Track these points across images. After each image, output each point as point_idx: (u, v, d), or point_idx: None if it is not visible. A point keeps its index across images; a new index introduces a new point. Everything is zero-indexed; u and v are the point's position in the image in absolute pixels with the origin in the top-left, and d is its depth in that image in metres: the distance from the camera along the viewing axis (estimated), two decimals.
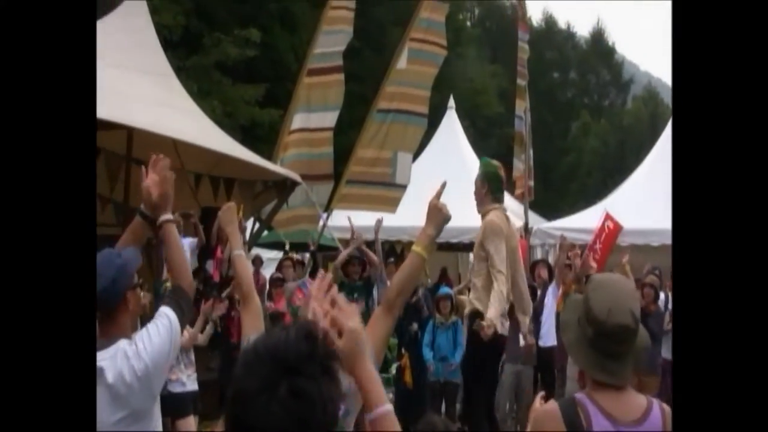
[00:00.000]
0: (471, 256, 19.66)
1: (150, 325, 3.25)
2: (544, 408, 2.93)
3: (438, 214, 3.27)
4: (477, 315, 6.77)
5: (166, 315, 3.29)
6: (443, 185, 3.49)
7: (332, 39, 12.67)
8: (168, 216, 3.51)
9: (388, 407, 2.16)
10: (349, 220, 10.73)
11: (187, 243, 10.07)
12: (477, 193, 7.09)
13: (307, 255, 12.17)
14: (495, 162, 7.35)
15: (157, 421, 3.32)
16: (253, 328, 3.24)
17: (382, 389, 2.21)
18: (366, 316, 9.01)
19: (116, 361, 3.10)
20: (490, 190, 6.97)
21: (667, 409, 2.88)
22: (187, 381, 7.61)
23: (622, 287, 2.95)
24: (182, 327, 3.35)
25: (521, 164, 15.56)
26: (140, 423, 3.17)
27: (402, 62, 12.51)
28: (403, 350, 10.80)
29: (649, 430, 2.76)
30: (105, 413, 3.07)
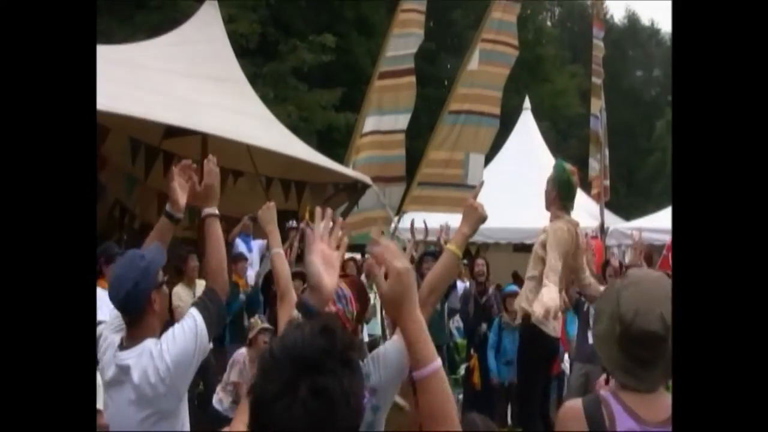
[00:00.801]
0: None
1: (176, 326, 3.28)
2: (567, 405, 2.82)
3: (474, 214, 3.28)
4: (526, 315, 6.71)
5: (192, 317, 3.31)
6: (481, 185, 3.49)
7: (403, 42, 12.73)
8: (212, 210, 3.56)
9: (438, 363, 2.08)
10: (425, 223, 10.77)
11: (257, 245, 10.25)
12: (546, 195, 6.91)
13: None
14: (570, 167, 7.14)
15: (184, 422, 3.35)
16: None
17: (431, 343, 2.10)
18: (440, 319, 9.02)
19: (142, 359, 3.15)
20: (559, 196, 6.75)
21: None
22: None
23: (658, 288, 2.73)
24: (211, 330, 3.33)
25: (597, 164, 15.35)
26: (166, 422, 3.21)
27: (473, 64, 12.50)
28: (472, 351, 10.78)
29: None
30: (131, 411, 3.15)
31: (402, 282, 2.07)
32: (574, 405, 2.75)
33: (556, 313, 6.40)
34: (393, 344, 3.20)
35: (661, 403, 2.66)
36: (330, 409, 1.61)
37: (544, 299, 6.28)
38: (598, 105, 15.49)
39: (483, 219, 3.29)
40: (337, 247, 2.48)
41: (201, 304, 3.39)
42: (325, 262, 2.41)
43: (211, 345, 3.49)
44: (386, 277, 2.11)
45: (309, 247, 2.42)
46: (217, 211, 3.58)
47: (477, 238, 15.73)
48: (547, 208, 6.90)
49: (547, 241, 6.61)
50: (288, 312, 3.33)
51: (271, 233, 3.92)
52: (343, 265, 11.35)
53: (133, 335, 3.27)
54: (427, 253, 10.17)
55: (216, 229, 3.55)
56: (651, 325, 2.62)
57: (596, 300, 3.05)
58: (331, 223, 2.48)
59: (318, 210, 2.51)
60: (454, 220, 12.37)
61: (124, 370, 3.18)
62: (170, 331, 3.27)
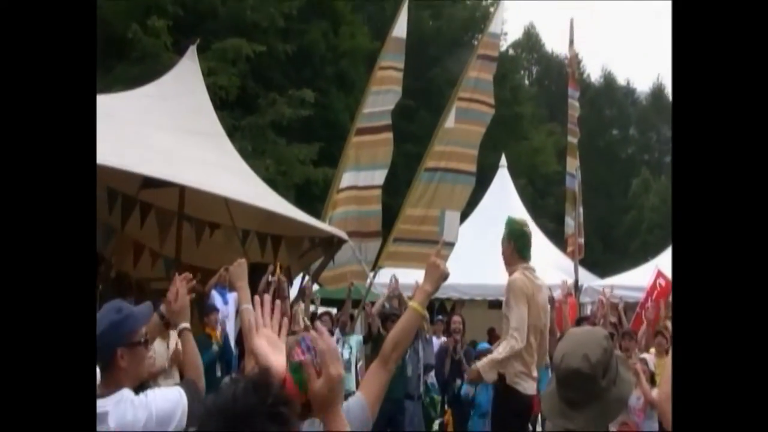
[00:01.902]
0: None
1: (164, 389, 3.36)
2: None
3: (436, 271, 3.34)
4: (500, 373, 6.74)
5: (179, 391, 3.38)
6: (442, 243, 3.56)
7: (381, 99, 12.84)
8: (185, 325, 3.72)
9: None
10: (393, 278, 10.81)
11: (233, 297, 10.22)
12: (504, 254, 6.99)
13: (355, 311, 12.27)
14: (520, 219, 7.29)
15: None
16: None
17: None
18: (400, 372, 9.02)
19: (120, 406, 3.17)
20: (515, 248, 6.85)
21: None
22: None
23: (586, 335, 2.91)
24: (191, 417, 3.33)
25: (573, 221, 15.53)
26: None
27: (450, 122, 12.61)
28: (446, 407, 10.78)
29: None
30: None
31: (334, 388, 2.19)
32: None
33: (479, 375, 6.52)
34: (356, 400, 3.20)
35: None
36: None
37: (492, 353, 6.45)
38: (573, 164, 15.71)
39: (445, 276, 3.35)
40: (279, 330, 2.57)
41: (185, 387, 3.45)
42: (271, 344, 2.53)
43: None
44: (318, 375, 2.22)
45: (252, 332, 2.54)
46: (188, 325, 3.74)
47: (453, 294, 15.80)
48: (507, 266, 6.99)
49: (505, 296, 6.73)
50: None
51: (240, 289, 4.03)
52: (319, 317, 11.38)
53: (106, 384, 3.27)
54: (393, 313, 10.29)
55: (190, 341, 3.71)
56: (574, 363, 2.74)
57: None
58: (270, 308, 2.56)
59: (257, 298, 2.61)
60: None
61: (101, 418, 3.17)
62: (156, 389, 3.35)
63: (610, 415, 2.84)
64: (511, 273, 6.88)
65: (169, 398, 3.31)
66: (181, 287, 3.75)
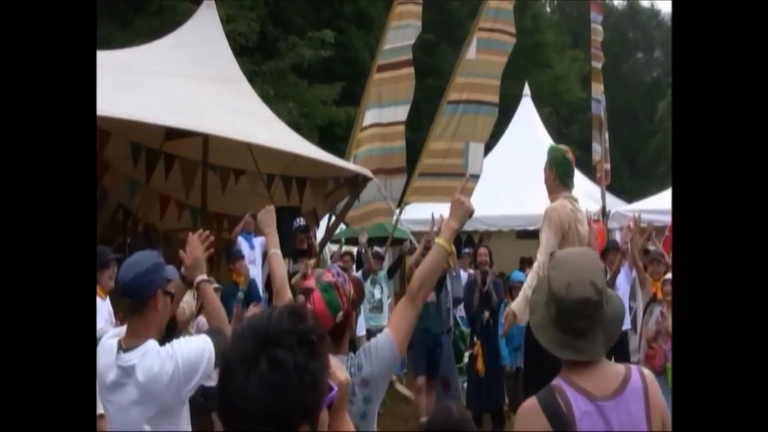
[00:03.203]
0: None
1: (188, 337, 3.43)
2: (523, 405, 2.87)
3: (461, 208, 3.39)
4: None
5: (205, 339, 3.43)
6: (468, 177, 3.61)
7: (401, 34, 12.76)
8: (203, 276, 3.74)
9: None
10: (432, 216, 10.87)
11: (259, 242, 10.35)
12: (546, 180, 6.88)
13: (383, 248, 12.38)
14: (562, 146, 7.18)
15: (186, 424, 3.44)
16: None
17: None
18: (436, 309, 9.21)
19: (146, 358, 3.23)
20: (557, 175, 6.74)
21: (647, 373, 2.84)
22: None
23: (584, 259, 2.87)
24: (217, 362, 3.39)
25: (600, 147, 15.42)
26: (169, 421, 3.28)
27: (471, 53, 12.53)
28: (475, 338, 10.88)
29: (630, 399, 2.71)
30: (134, 412, 3.22)
31: (340, 393, 2.20)
32: (529, 403, 2.81)
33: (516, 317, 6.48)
34: (385, 337, 3.31)
35: (609, 375, 2.76)
36: (284, 380, 1.74)
37: (511, 304, 6.49)
38: (598, 89, 15.53)
39: (470, 212, 3.40)
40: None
41: (212, 335, 3.50)
42: None
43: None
44: None
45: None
46: (206, 277, 3.77)
47: (480, 226, 15.83)
48: (549, 193, 6.89)
49: (542, 224, 6.68)
50: None
51: (269, 235, 4.10)
52: (341, 257, 11.53)
53: (133, 333, 3.34)
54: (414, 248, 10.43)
55: (210, 293, 3.75)
56: (584, 293, 2.71)
57: (531, 295, 3.11)
58: None
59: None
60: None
61: (127, 372, 3.24)
62: (182, 339, 3.39)
63: (613, 337, 2.83)
64: (552, 201, 6.78)
65: (194, 347, 3.36)
66: (194, 241, 3.78)
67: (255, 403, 1.74)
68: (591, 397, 2.71)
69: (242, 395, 1.75)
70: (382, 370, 3.27)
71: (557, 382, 2.78)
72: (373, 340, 3.35)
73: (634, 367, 2.84)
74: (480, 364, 10.46)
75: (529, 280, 6.58)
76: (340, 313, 3.18)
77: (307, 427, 1.81)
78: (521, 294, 6.58)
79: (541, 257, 6.38)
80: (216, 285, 8.39)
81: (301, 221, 10.64)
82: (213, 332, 3.54)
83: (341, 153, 12.68)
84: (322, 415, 1.90)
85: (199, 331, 7.80)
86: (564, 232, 6.52)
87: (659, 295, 8.82)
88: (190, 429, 3.46)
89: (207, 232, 3.92)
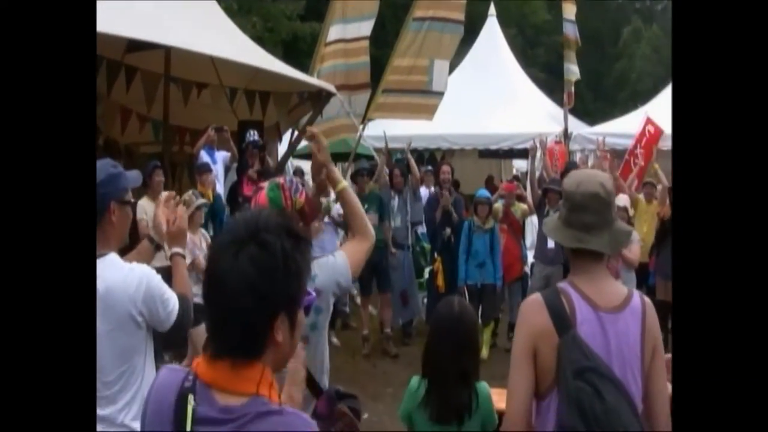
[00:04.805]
0: (513, 162, 19.64)
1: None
2: (529, 298, 3.00)
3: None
4: None
5: (171, 293, 3.36)
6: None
7: None
8: (179, 249, 3.68)
9: None
10: (384, 134, 10.93)
11: (221, 157, 10.33)
12: None
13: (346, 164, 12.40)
14: None
15: (149, 354, 3.36)
16: None
17: None
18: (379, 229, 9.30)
19: (107, 271, 3.14)
20: None
21: (647, 300, 2.97)
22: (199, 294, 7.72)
23: (595, 172, 3.09)
24: (178, 329, 3.38)
25: (576, 68, 15.44)
26: (128, 338, 3.22)
27: None
28: (436, 255, 11.02)
29: (629, 317, 2.85)
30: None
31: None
32: (535, 297, 2.94)
33: None
34: (341, 256, 3.46)
35: (612, 292, 2.90)
36: (271, 261, 1.83)
37: None
38: (572, 10, 15.45)
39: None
40: None
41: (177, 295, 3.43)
42: None
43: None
44: None
45: None
46: (182, 251, 3.67)
47: (443, 144, 15.89)
48: None
49: None
50: None
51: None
52: (294, 172, 11.53)
53: None
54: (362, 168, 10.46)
55: (182, 268, 3.65)
56: (593, 188, 2.87)
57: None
58: None
59: None
60: (418, 129, 12.62)
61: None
62: (153, 273, 3.29)
63: (620, 243, 2.97)
64: None
65: (160, 286, 3.28)
66: (180, 210, 3.70)
67: (242, 281, 1.81)
68: (594, 306, 2.84)
69: (230, 272, 1.82)
70: (332, 284, 3.41)
71: (564, 285, 2.92)
72: (330, 256, 3.45)
73: (636, 292, 2.97)
74: (440, 280, 10.63)
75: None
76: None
77: (286, 320, 1.87)
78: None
79: None
80: (202, 201, 8.38)
81: (254, 135, 10.55)
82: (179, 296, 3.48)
83: (305, 68, 12.56)
84: (300, 316, 1.94)
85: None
86: None
87: (663, 214, 9.25)
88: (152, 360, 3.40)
89: (175, 194, 3.84)
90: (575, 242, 2.91)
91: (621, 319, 2.85)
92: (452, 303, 3.99)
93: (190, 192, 8.38)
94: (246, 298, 1.80)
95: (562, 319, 2.81)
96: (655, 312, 2.92)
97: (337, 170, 3.67)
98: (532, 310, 2.89)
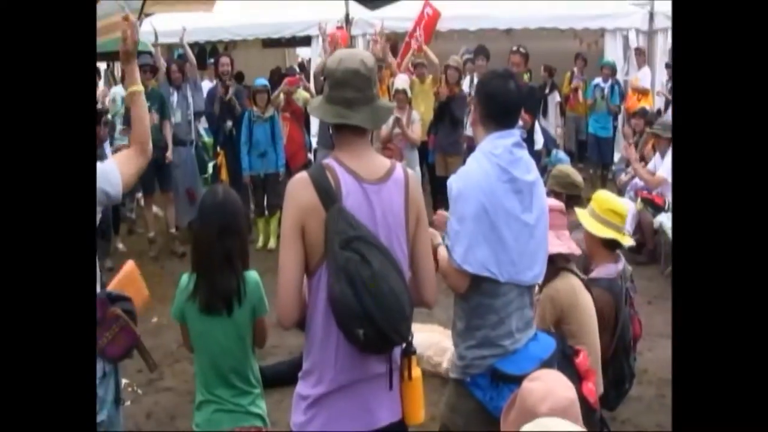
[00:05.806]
0: (297, 50, 19.45)
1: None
2: (295, 177, 3.11)
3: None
4: None
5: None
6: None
7: None
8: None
9: None
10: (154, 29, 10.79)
11: None
12: None
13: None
14: None
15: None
16: None
17: None
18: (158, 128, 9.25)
19: None
20: None
21: (410, 171, 3.19)
22: None
23: (358, 51, 3.18)
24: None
25: None
26: None
27: None
28: (218, 148, 11.07)
29: (392, 188, 3.03)
30: None
31: None
32: (300, 175, 3.07)
33: None
34: (111, 164, 3.57)
35: (376, 165, 3.08)
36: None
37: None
38: None
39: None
40: None
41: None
42: None
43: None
44: None
45: None
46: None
47: (224, 36, 15.62)
48: None
49: None
50: None
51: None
52: None
53: None
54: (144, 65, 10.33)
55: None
56: (354, 65, 3.01)
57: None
58: None
59: None
60: (199, 22, 12.21)
61: None
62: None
63: (381, 119, 3.14)
64: None
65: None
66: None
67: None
68: (358, 178, 3.00)
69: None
70: (100, 192, 3.44)
71: (329, 161, 3.06)
72: (99, 164, 3.47)
73: (398, 164, 3.16)
74: (224, 174, 10.65)
75: None
76: None
77: None
78: None
79: None
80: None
81: None
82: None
83: None
84: None
85: None
86: None
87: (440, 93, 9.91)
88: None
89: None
90: (337, 118, 3.03)
91: (384, 190, 3.01)
92: (216, 190, 3.97)
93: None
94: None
95: (328, 193, 2.92)
96: (430, 186, 3.12)
97: (137, 71, 3.67)
98: (299, 187, 2.98)
